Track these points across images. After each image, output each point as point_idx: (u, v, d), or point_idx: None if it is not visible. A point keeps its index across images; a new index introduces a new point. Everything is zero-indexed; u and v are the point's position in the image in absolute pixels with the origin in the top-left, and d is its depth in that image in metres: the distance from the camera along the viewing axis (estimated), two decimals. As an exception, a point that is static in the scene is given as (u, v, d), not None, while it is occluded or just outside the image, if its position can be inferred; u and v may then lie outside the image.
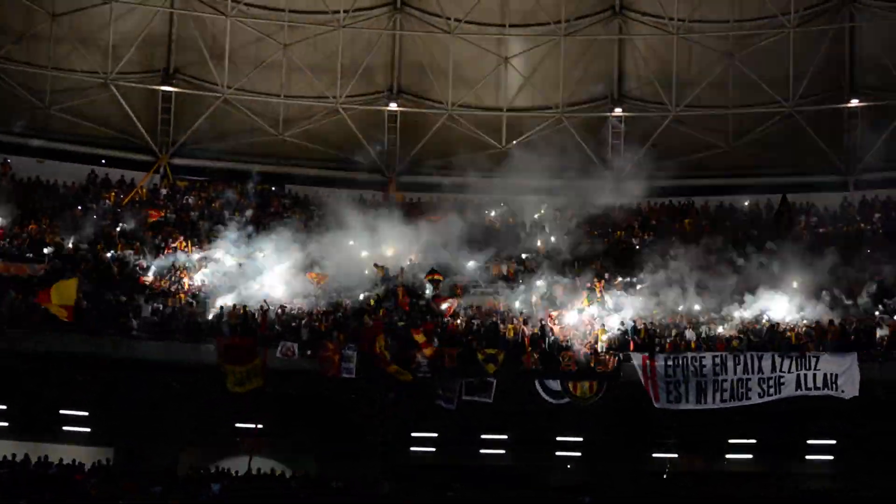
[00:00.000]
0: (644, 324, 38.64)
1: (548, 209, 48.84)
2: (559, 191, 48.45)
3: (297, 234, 44.24)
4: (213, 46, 49.00)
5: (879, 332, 37.38)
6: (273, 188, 49.75)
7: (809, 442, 39.89)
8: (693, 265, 41.91)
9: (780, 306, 39.27)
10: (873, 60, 47.96)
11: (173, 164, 49.68)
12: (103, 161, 48.89)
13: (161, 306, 38.80)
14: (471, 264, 43.64)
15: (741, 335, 37.68)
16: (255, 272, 41.90)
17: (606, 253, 44.83)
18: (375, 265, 42.78)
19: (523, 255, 45.04)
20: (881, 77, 47.83)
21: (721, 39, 48.86)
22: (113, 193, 47.09)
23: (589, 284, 41.76)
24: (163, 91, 49.11)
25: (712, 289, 40.67)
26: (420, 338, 37.81)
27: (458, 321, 39.44)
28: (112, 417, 38.71)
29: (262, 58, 49.35)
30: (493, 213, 49.00)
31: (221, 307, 39.15)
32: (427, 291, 41.61)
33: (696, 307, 40.08)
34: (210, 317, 38.86)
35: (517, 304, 41.11)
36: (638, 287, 41.62)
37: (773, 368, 36.26)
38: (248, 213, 46.29)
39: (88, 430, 39.84)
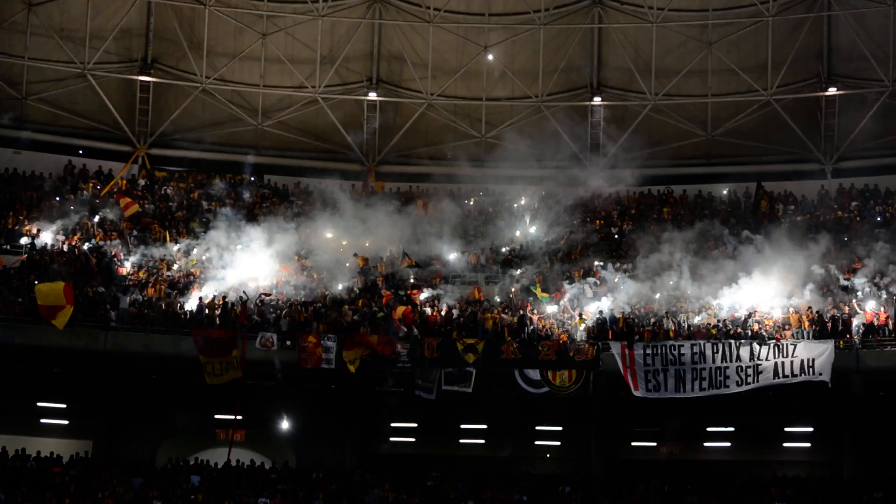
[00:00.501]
0: (623, 313, 38.71)
1: (528, 198, 48.81)
2: (539, 180, 48.47)
3: (277, 224, 44.22)
4: (191, 36, 48.82)
5: (856, 321, 37.58)
6: (252, 178, 49.57)
7: (787, 430, 40.11)
8: (673, 254, 42.00)
9: (759, 294, 39.36)
10: (850, 49, 48.10)
11: (152, 154, 49.46)
12: (81, 152, 48.64)
13: (140, 298, 38.69)
14: (451, 255, 43.60)
15: (719, 323, 37.79)
16: (235, 263, 41.82)
17: (586, 242, 44.89)
18: (355, 255, 42.77)
19: (503, 245, 45.05)
20: (858, 65, 47.95)
21: (700, 28, 48.92)
22: (91, 184, 46.87)
23: (569, 274, 41.88)
24: (140, 81, 48.85)
25: (692, 277, 40.74)
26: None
27: (439, 312, 39.39)
28: (90, 410, 38.61)
29: (241, 48, 49.18)
30: (473, 203, 48.93)
31: (200, 298, 39.06)
32: (410, 279, 41.64)
33: (675, 296, 40.12)
34: (189, 308, 38.74)
35: (497, 294, 41.17)
36: (618, 276, 41.63)
37: (752, 356, 36.45)
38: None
39: (66, 422, 39.75)
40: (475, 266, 43.46)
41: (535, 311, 39.60)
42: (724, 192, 48.70)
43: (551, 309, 40.00)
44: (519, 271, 42.67)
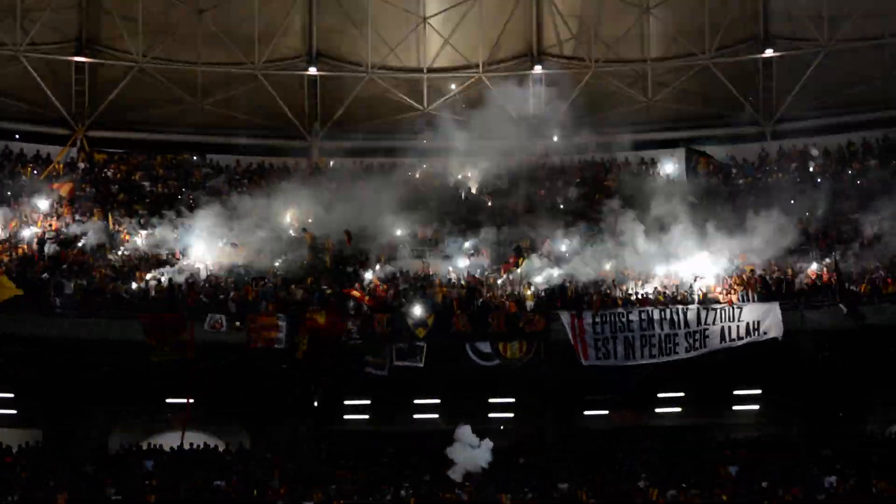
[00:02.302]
0: (571, 282, 38.90)
1: (473, 170, 48.77)
2: (483, 150, 48.42)
3: (221, 203, 43.85)
4: (125, 15, 47.83)
5: (800, 281, 38.09)
6: (194, 157, 48.99)
7: (736, 393, 40.72)
8: (617, 222, 42.27)
9: (704, 260, 39.78)
10: (787, 11, 48.44)
11: (91, 136, 48.63)
12: (17, 136, 47.70)
13: (84, 282, 38.13)
14: (396, 230, 43.48)
15: (666, 290, 38.13)
16: (181, 244, 41.48)
17: (532, 211, 45.00)
18: (304, 230, 42.50)
19: (450, 218, 45.04)
20: (794, 27, 48.37)
21: (638, -8, 48.99)
22: (29, 168, 46.04)
23: (516, 245, 42.01)
24: (76, 62, 47.95)
25: (639, 244, 41.03)
26: (357, 293, 37.83)
27: (387, 288, 39.36)
28: (39, 398, 38.16)
29: (177, 25, 48.36)
30: (417, 176, 48.80)
31: (146, 281, 38.65)
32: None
33: (623, 264, 40.41)
34: (134, 291, 38.30)
35: (445, 267, 41.19)
36: (564, 245, 41.83)
37: (699, 321, 36.79)
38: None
39: (14, 411, 39.26)
40: (423, 240, 43.37)
41: (484, 284, 39.69)
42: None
43: (500, 280, 40.11)
44: (468, 243, 42.66)
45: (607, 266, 40.43)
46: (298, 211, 43.95)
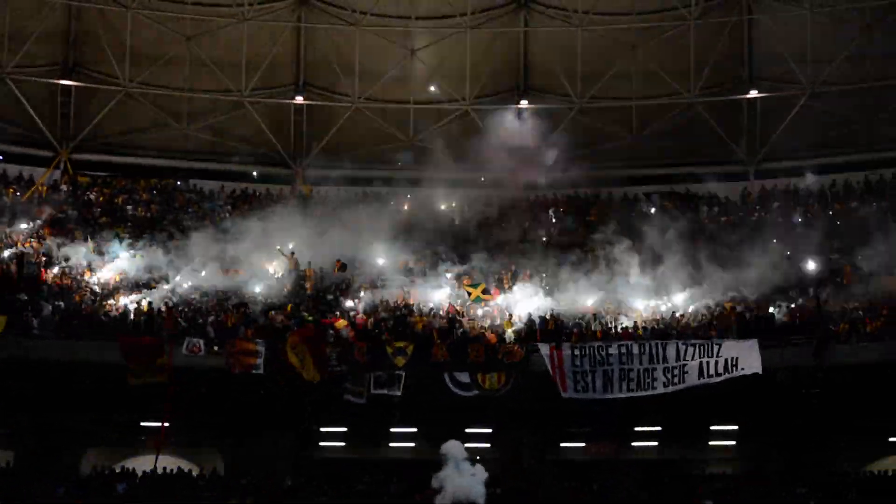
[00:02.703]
0: (551, 314, 38.91)
1: (457, 201, 48.90)
2: (468, 182, 48.57)
3: (204, 230, 43.86)
4: (114, 40, 48.10)
5: (778, 316, 38.17)
6: (178, 183, 49.05)
7: (713, 428, 40.66)
8: (599, 256, 42.40)
9: (683, 295, 39.88)
10: (772, 52, 48.89)
11: (75, 159, 48.72)
12: (1, 157, 47.73)
13: (62, 304, 38.01)
14: (379, 258, 43.49)
15: (645, 324, 38.17)
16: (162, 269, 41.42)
17: (514, 244, 45.10)
18: (292, 254, 42.43)
19: (433, 248, 45.07)
20: (779, 69, 48.81)
21: (624, 31, 49.37)
22: (11, 190, 45.99)
23: (498, 276, 42.05)
24: (62, 85, 48.06)
25: (618, 280, 41.11)
26: (340, 324, 37.70)
27: (368, 317, 39.29)
28: (12, 419, 37.84)
29: (165, 51, 48.56)
30: (401, 206, 48.89)
31: (125, 305, 38.54)
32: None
33: (603, 298, 40.46)
34: (113, 314, 38.18)
35: (426, 297, 41.16)
36: (546, 278, 41.88)
37: (678, 357, 36.65)
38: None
39: (-13, 432, 38.96)
40: (405, 269, 43.37)
41: (465, 315, 39.68)
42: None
43: (481, 311, 40.10)
44: (450, 275, 42.67)
45: (588, 301, 40.46)
46: (283, 237, 43.87)
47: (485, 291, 40.61)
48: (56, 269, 40.70)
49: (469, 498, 30.31)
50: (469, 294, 40.57)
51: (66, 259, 41.41)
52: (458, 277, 42.40)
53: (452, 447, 30.54)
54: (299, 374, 36.11)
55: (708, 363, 36.51)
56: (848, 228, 43.15)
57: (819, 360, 36.03)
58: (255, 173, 50.57)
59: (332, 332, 37.72)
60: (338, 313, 39.39)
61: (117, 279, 40.59)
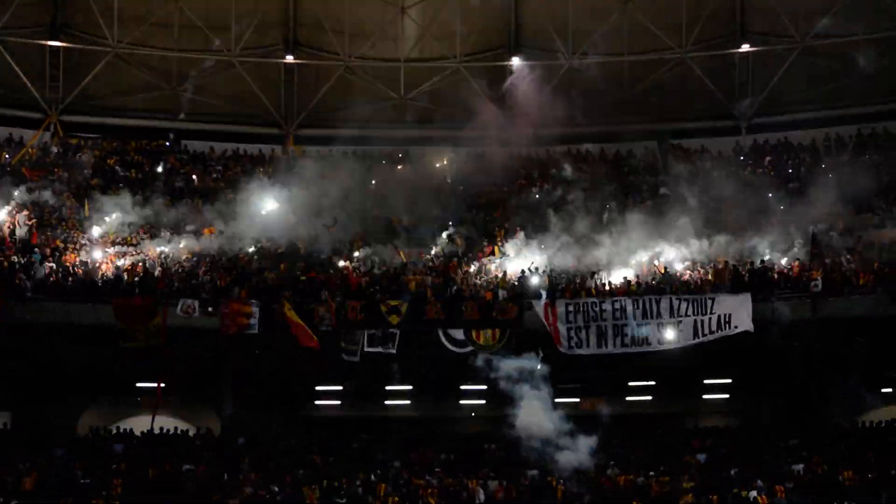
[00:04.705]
0: (545, 270, 38.96)
1: (449, 159, 48.81)
2: (459, 141, 48.43)
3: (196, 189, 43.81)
4: (102, 0, 47.64)
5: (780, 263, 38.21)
6: (168, 144, 48.85)
7: (706, 381, 40.87)
8: (591, 212, 42.42)
9: (676, 250, 39.93)
10: (762, 5, 48.69)
11: (65, 121, 48.46)
12: (-11, 117, 47.56)
13: (55, 266, 37.94)
14: (372, 217, 43.44)
15: (639, 279, 38.25)
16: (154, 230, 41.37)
17: (507, 201, 45.10)
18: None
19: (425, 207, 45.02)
20: (770, 22, 48.62)
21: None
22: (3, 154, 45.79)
23: (491, 234, 42.07)
24: (51, 47, 47.69)
25: (611, 236, 41.13)
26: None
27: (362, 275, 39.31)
28: (8, 381, 37.93)
29: (154, 11, 48.18)
30: (394, 166, 48.79)
31: (118, 266, 38.50)
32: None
33: (596, 254, 40.51)
34: (107, 276, 38.14)
35: (420, 255, 41.19)
36: (538, 235, 41.89)
37: (672, 312, 36.74)
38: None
39: (-18, 394, 39.06)
40: (398, 227, 43.34)
41: (458, 271, 39.70)
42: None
43: (473, 268, 40.15)
44: (443, 233, 42.67)
45: (580, 256, 40.48)
46: (271, 198, 43.82)
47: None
48: (49, 232, 40.57)
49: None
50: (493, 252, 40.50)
51: (59, 221, 41.27)
52: (451, 236, 42.37)
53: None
54: (294, 336, 36.17)
55: (702, 321, 36.60)
56: (841, 181, 43.14)
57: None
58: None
59: (324, 292, 37.74)
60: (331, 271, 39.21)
61: (110, 239, 40.41)
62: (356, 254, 40.90)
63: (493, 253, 40.91)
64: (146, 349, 35.80)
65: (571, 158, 48.98)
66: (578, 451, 35.23)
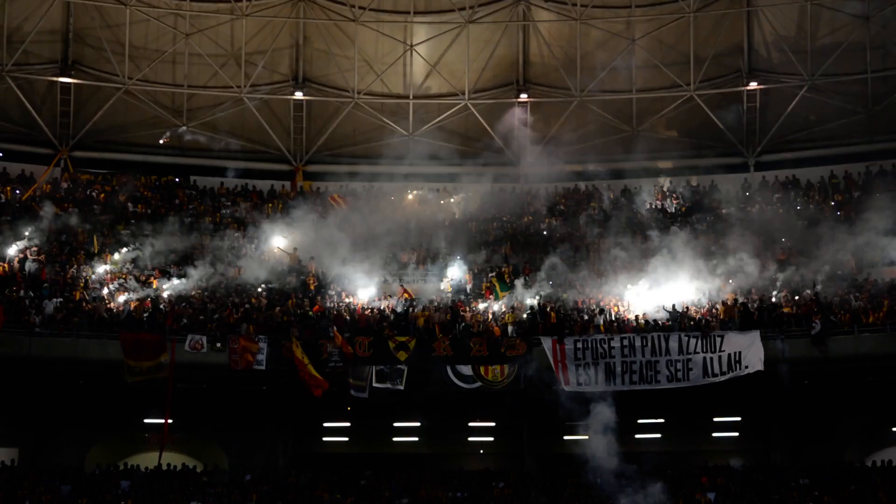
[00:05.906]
0: (553, 307, 38.90)
1: (457, 196, 48.89)
2: (467, 177, 48.53)
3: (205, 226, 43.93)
4: (112, 37, 48.02)
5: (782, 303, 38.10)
6: (178, 179, 49.00)
7: (716, 420, 40.65)
8: (599, 249, 42.40)
9: (685, 287, 39.83)
10: (770, 44, 48.91)
11: (75, 157, 48.67)
12: (1, 155, 47.66)
13: (63, 301, 37.88)
14: (379, 253, 43.42)
15: (647, 316, 38.13)
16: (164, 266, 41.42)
17: (515, 238, 45.12)
18: (294, 250, 42.41)
19: (433, 243, 45.03)
20: (778, 60, 48.81)
21: (624, 24, 49.35)
22: (9, 189, 45.88)
23: (498, 270, 42.01)
24: (61, 83, 47.99)
25: (619, 272, 41.07)
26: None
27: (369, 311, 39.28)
28: (16, 417, 37.86)
29: (164, 48, 48.53)
30: (402, 201, 48.84)
31: (126, 301, 38.50)
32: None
33: (604, 291, 40.43)
34: (115, 311, 38.13)
35: (428, 292, 41.15)
36: (546, 272, 41.86)
37: (681, 349, 36.59)
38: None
39: (-9, 430, 38.94)
40: (406, 264, 43.34)
41: (467, 308, 39.65)
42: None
43: (482, 305, 40.11)
44: (451, 269, 42.62)
45: (589, 293, 40.43)
46: (283, 233, 43.90)
47: (505, 285, 40.52)
48: (58, 267, 40.61)
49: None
50: (495, 287, 40.45)
51: (69, 256, 41.31)
52: (460, 272, 42.38)
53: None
54: (302, 373, 36.12)
55: (711, 359, 36.40)
56: (848, 219, 43.13)
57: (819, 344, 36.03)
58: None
59: (332, 327, 37.70)
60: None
61: (119, 276, 40.44)
62: (364, 290, 40.85)
63: (494, 291, 40.80)
64: (153, 383, 35.72)
65: (580, 195, 49.04)
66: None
